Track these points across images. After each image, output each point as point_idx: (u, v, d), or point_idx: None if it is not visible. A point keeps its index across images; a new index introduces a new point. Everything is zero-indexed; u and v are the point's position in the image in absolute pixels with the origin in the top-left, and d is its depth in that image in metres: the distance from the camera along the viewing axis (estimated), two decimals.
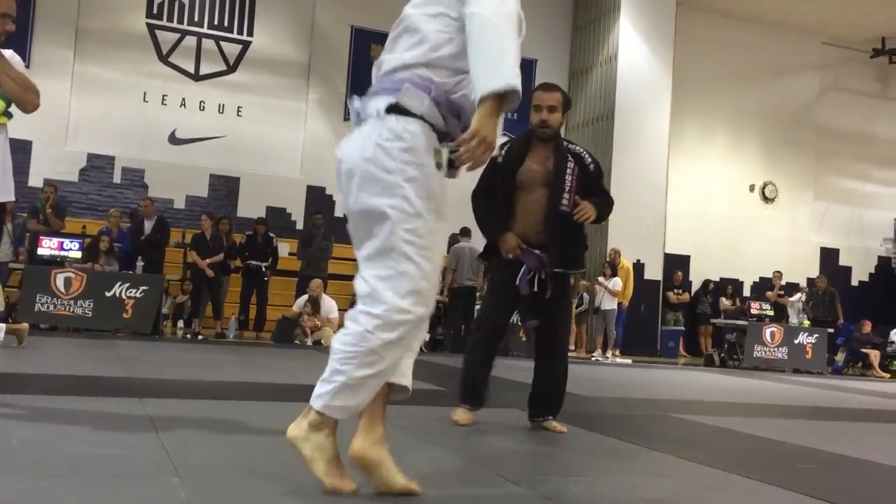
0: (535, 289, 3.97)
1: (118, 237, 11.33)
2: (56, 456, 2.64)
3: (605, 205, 4.12)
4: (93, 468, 2.52)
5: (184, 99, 13.72)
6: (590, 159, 4.14)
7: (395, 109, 2.28)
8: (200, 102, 13.81)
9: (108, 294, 9.85)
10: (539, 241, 3.99)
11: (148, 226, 11.18)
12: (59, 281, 9.62)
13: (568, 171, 4.01)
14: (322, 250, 11.82)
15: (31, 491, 2.20)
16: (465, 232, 11.43)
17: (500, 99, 2.17)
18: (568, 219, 3.98)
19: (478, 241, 12.07)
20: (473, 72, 2.21)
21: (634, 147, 14.55)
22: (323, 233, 11.97)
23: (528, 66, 15.66)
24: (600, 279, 12.78)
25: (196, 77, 13.83)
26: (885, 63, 17.90)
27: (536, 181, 4.02)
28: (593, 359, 12.28)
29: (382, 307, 2.25)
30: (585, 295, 13.16)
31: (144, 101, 13.46)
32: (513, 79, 2.16)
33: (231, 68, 14.02)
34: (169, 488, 2.32)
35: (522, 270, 3.97)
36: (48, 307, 9.57)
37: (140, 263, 10.71)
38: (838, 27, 16.99)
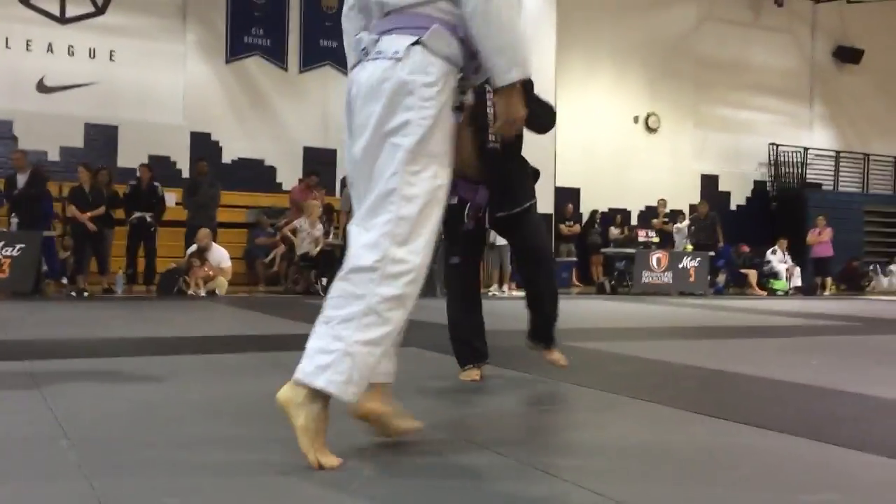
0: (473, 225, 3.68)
1: None
2: None
3: (538, 114, 3.51)
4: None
5: (50, 44, 12.91)
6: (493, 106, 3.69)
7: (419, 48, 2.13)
8: (69, 47, 13.02)
9: None
10: (478, 177, 3.52)
11: (21, 179, 10.56)
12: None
13: (489, 103, 3.59)
14: (210, 198, 11.49)
15: None
16: None
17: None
18: (502, 155, 3.64)
19: None
20: (488, 60, 2.17)
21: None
22: (209, 180, 11.62)
23: None
24: None
25: (62, 20, 13.01)
26: None
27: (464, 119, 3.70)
28: (490, 293, 12.50)
29: (376, 256, 2.06)
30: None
31: (7, 47, 12.61)
32: (527, 67, 2.22)
33: (100, 9, 13.24)
34: (58, 451, 2.25)
35: (469, 206, 3.63)
36: None
37: (14, 220, 10.15)
38: None
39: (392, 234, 2.07)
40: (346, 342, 2.06)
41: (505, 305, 10.00)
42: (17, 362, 3.96)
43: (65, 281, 10.70)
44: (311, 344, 2.14)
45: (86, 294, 10.17)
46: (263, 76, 14.38)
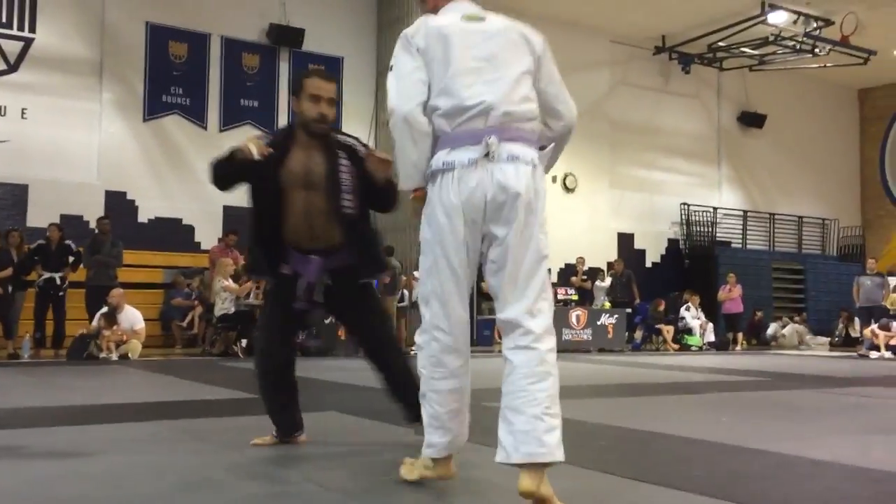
0: (314, 300, 3.48)
1: None
2: None
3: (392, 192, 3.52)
4: None
5: None
6: (364, 151, 3.55)
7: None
8: None
9: None
10: (314, 248, 3.46)
11: None
12: None
13: (342, 168, 3.46)
14: (114, 257, 11.17)
15: None
16: None
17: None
18: (356, 221, 3.49)
19: None
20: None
21: None
22: (112, 239, 11.30)
23: (334, 64, 15.62)
24: (416, 274, 13.00)
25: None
26: (666, 59, 19.40)
27: (298, 183, 3.44)
28: (412, 352, 12.46)
29: (553, 340, 2.53)
30: (405, 290, 13.35)
31: None
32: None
33: (12, 67, 12.96)
34: None
35: (299, 283, 3.46)
36: None
37: None
38: (624, 27, 18.21)
39: (550, 316, 2.57)
40: (559, 416, 2.44)
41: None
42: None
43: None
44: (530, 425, 2.41)
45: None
46: (182, 135, 14.24)
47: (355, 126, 15.95)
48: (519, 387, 2.45)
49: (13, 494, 2.63)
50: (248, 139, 3.39)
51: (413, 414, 3.44)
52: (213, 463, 3.21)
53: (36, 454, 3.41)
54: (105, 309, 10.26)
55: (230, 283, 11.19)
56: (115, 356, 10.03)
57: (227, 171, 3.51)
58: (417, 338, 2.72)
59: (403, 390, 3.52)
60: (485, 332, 15.31)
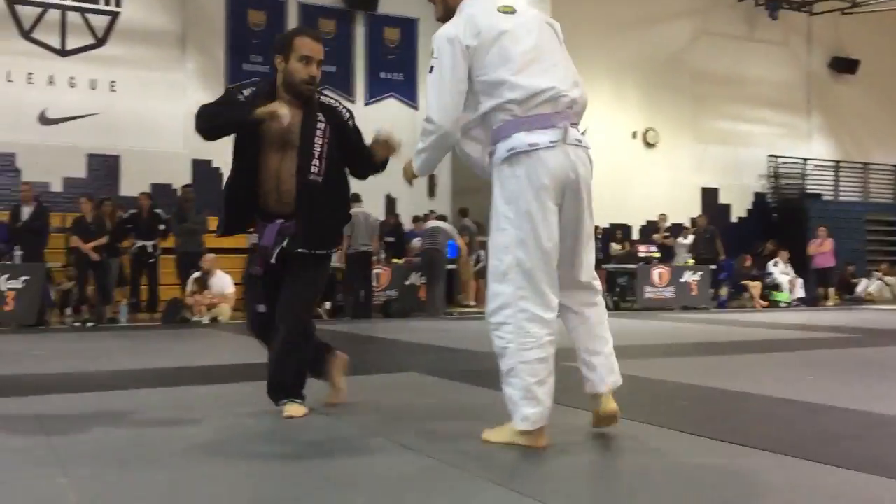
0: (273, 263, 3.42)
1: None
2: None
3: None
4: None
5: (52, 76, 13.06)
6: (347, 114, 3.54)
7: None
8: (70, 79, 13.18)
9: None
10: (281, 212, 3.41)
11: (26, 211, 10.66)
12: None
13: (318, 132, 3.40)
14: (199, 224, 11.50)
15: None
16: (357, 198, 11.44)
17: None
18: (319, 189, 3.39)
19: (369, 206, 12.13)
20: None
21: None
22: (196, 206, 11.62)
23: (410, 25, 15.62)
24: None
25: (63, 52, 13.17)
26: (751, 6, 18.65)
27: (276, 143, 3.38)
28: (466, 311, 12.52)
29: None
30: (482, 252, 13.38)
31: (9, 80, 12.76)
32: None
33: (100, 41, 13.40)
34: (58, 490, 2.29)
35: (260, 247, 3.45)
36: None
37: (18, 252, 10.23)
38: None
39: None
40: None
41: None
42: (21, 398, 4.01)
43: (69, 312, 10.75)
44: (608, 360, 3.04)
45: (89, 324, 10.23)
46: None
47: None
48: (596, 333, 3.02)
49: (110, 455, 2.79)
50: (278, 103, 3.27)
51: (273, 392, 3.49)
52: (301, 423, 3.32)
53: (139, 415, 3.59)
54: (197, 274, 10.63)
55: None
56: (205, 319, 10.40)
57: (227, 123, 3.40)
58: (496, 316, 2.77)
59: (275, 365, 3.46)
60: None
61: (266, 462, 2.66)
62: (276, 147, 3.38)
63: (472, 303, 13.28)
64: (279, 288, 3.42)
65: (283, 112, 3.22)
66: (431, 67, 2.85)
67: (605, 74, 17.14)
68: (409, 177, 3.10)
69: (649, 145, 17.84)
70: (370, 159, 3.53)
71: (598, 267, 10.86)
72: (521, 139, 2.75)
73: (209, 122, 3.39)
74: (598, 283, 3.07)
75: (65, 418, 3.45)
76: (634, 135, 17.72)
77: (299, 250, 3.39)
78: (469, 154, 3.09)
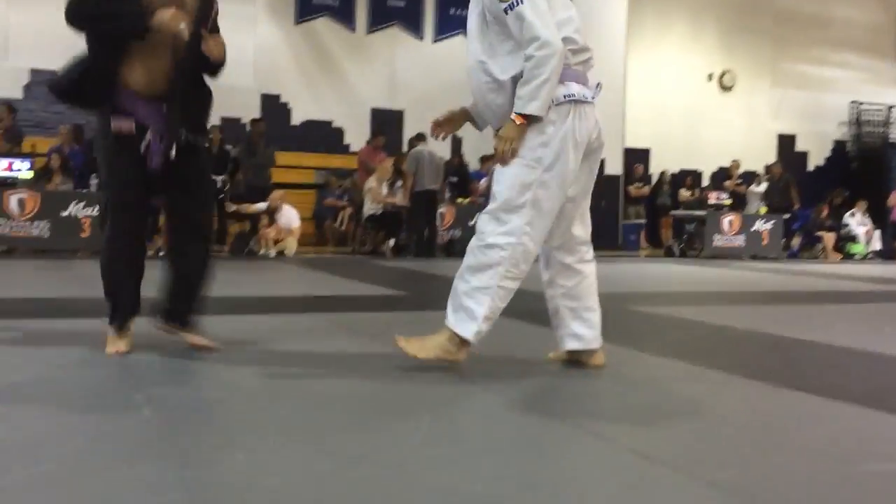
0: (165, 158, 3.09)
1: (70, 154, 11.07)
2: (24, 375, 2.67)
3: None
4: (58, 388, 2.56)
5: None
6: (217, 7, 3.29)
7: None
8: None
9: (63, 214, 9.71)
10: (155, 93, 3.08)
11: None
12: (13, 202, 9.44)
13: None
14: (267, 158, 11.61)
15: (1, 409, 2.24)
16: (422, 137, 11.41)
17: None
18: (194, 73, 3.17)
19: (434, 146, 12.08)
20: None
21: (590, 41, 14.14)
22: (265, 141, 11.71)
23: None
24: None
25: None
26: None
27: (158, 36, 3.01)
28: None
29: None
30: None
31: None
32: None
33: None
34: (133, 405, 2.37)
35: (149, 135, 3.06)
36: (4, 229, 9.43)
37: (94, 181, 10.52)
38: None
39: None
40: None
41: None
42: (94, 320, 4.15)
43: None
44: (598, 316, 3.17)
45: (161, 253, 10.48)
46: (332, 37, 14.47)
47: None
48: (591, 291, 3.13)
49: (182, 374, 2.87)
50: (176, 14, 2.98)
51: (176, 318, 3.26)
52: (366, 354, 3.37)
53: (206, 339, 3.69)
54: (263, 205, 10.80)
55: (376, 185, 11.44)
56: (272, 253, 10.59)
57: (114, 29, 2.98)
58: (494, 237, 2.85)
59: (186, 290, 3.27)
60: (630, 236, 15.06)
61: (328, 387, 2.71)
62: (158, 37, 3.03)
63: None
64: (149, 188, 3.12)
65: (183, 28, 2.99)
66: (515, 1, 2.76)
67: (681, 13, 16.57)
68: (516, 138, 2.84)
69: (725, 88, 17.26)
70: (211, 65, 3.23)
71: (665, 213, 10.69)
72: (574, 89, 2.86)
73: (92, 20, 2.98)
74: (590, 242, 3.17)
75: (137, 339, 3.56)
76: (710, 77, 17.16)
77: (194, 142, 3.10)
78: (491, 94, 2.95)
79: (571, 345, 3.11)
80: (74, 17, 2.96)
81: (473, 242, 2.92)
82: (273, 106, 13.79)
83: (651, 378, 3.07)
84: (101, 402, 2.42)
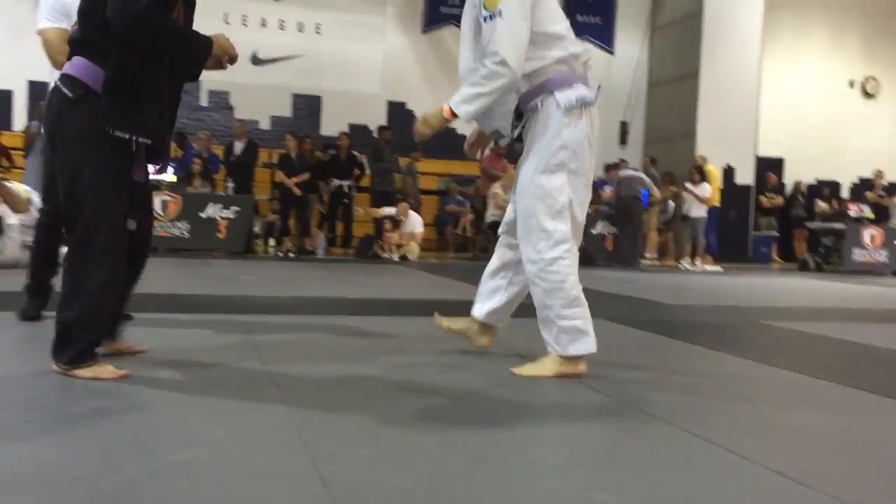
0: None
1: (210, 158, 11.63)
2: (167, 366, 2.81)
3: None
4: (199, 377, 2.69)
5: (264, 19, 13.79)
6: None
7: None
8: (280, 22, 13.86)
9: (202, 215, 10.24)
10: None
11: (238, 147, 11.45)
12: (157, 204, 10.02)
13: None
14: (394, 163, 11.84)
15: (151, 397, 2.37)
16: None
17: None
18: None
19: None
20: None
21: (724, 46, 13.94)
22: (391, 147, 11.93)
23: None
24: (688, 185, 12.48)
25: None
26: None
27: None
28: (681, 267, 12.12)
29: None
30: (671, 202, 12.92)
31: (226, 23, 13.57)
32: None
33: None
34: (268, 398, 2.46)
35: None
36: None
37: (230, 185, 11.02)
38: None
39: None
40: None
41: (697, 280, 9.69)
42: (235, 315, 4.34)
43: (272, 242, 11.50)
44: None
45: (291, 254, 10.89)
46: (457, 45, 14.49)
47: (629, 29, 15.40)
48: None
49: (313, 370, 2.95)
50: (228, 44, 2.91)
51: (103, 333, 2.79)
52: (490, 358, 3.37)
53: (335, 335, 3.79)
54: (389, 210, 11.02)
55: (501, 192, 11.44)
56: (395, 257, 10.78)
57: (182, 56, 2.82)
58: (554, 251, 2.88)
59: (120, 299, 2.88)
60: (761, 248, 14.47)
61: (445, 391, 2.72)
62: None
63: (651, 255, 12.90)
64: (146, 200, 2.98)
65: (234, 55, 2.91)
66: (497, 12, 2.82)
67: (820, 16, 15.81)
68: (434, 126, 2.96)
69: (868, 96, 16.33)
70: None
71: (799, 225, 10.20)
72: (584, 92, 2.91)
73: (166, 43, 2.70)
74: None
75: (271, 335, 3.69)
76: (851, 84, 16.27)
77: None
78: (496, 106, 2.98)
79: (493, 320, 3.29)
80: (142, 25, 2.57)
81: (533, 269, 2.94)
82: (399, 113, 14.06)
83: (789, 396, 2.93)
84: (238, 392, 2.52)
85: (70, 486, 1.64)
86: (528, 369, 3.01)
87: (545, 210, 2.91)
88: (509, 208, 3.17)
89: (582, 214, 3.00)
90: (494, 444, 2.09)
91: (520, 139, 3.01)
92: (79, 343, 2.61)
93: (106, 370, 2.62)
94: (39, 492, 1.60)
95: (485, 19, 2.87)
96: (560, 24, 2.96)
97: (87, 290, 2.60)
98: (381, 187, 11.61)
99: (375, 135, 12.59)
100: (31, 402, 2.35)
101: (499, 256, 3.25)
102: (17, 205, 6.99)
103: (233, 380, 2.74)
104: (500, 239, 3.25)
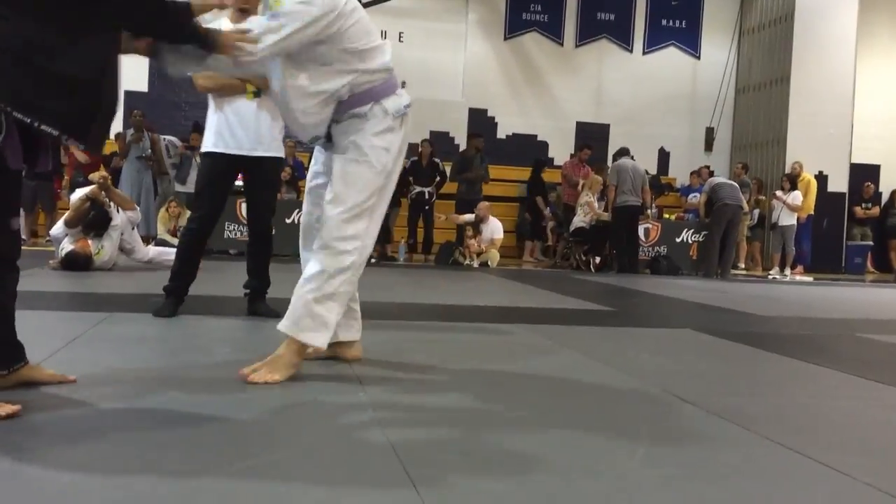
0: None
1: (295, 165, 11.86)
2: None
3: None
4: (286, 383, 2.72)
5: None
6: None
7: None
8: None
9: (287, 221, 10.44)
10: None
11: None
12: (244, 209, 10.26)
13: None
14: (483, 173, 11.84)
15: (239, 399, 2.42)
16: (625, 150, 11.25)
17: None
18: None
19: (641, 160, 11.80)
20: None
21: (817, 50, 13.49)
22: (480, 156, 11.94)
23: None
24: (778, 193, 12.11)
25: (362, 5, 14.05)
26: None
27: None
28: (770, 277, 11.75)
29: None
30: (756, 210, 12.58)
31: None
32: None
33: None
34: (358, 403, 2.48)
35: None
36: (235, 234, 10.30)
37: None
38: None
39: None
40: None
41: (787, 290, 9.37)
42: None
43: None
44: None
45: (372, 260, 10.98)
46: (539, 52, 14.56)
47: (716, 34, 15.05)
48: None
49: (400, 373, 2.96)
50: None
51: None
52: (580, 368, 3.32)
53: (418, 343, 3.80)
54: (470, 217, 11.03)
55: (594, 200, 11.30)
56: (476, 263, 10.78)
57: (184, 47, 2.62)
58: (348, 243, 2.81)
59: (7, 323, 2.39)
60: (855, 259, 13.93)
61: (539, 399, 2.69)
62: None
63: (742, 264, 12.56)
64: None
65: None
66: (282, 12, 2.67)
67: None
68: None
69: None
70: None
71: (893, 235, 9.52)
72: (406, 98, 2.95)
73: (167, 29, 2.49)
74: None
75: (363, 341, 3.72)
76: None
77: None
78: (307, 111, 2.85)
79: (344, 335, 3.08)
80: (154, 26, 2.42)
81: (321, 247, 2.83)
82: (480, 120, 14.08)
83: (889, 409, 2.79)
84: (327, 394, 2.54)
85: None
86: (261, 374, 2.72)
87: (357, 204, 2.83)
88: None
89: (381, 216, 2.94)
90: (587, 457, 2.05)
91: (329, 139, 2.92)
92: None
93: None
94: None
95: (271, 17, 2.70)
96: (374, 35, 2.97)
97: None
98: (470, 196, 11.57)
99: (457, 142, 12.62)
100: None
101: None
102: (124, 203, 7.30)
103: (323, 380, 2.76)
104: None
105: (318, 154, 3.09)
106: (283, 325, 2.83)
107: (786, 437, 2.30)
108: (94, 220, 6.88)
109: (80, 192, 7.11)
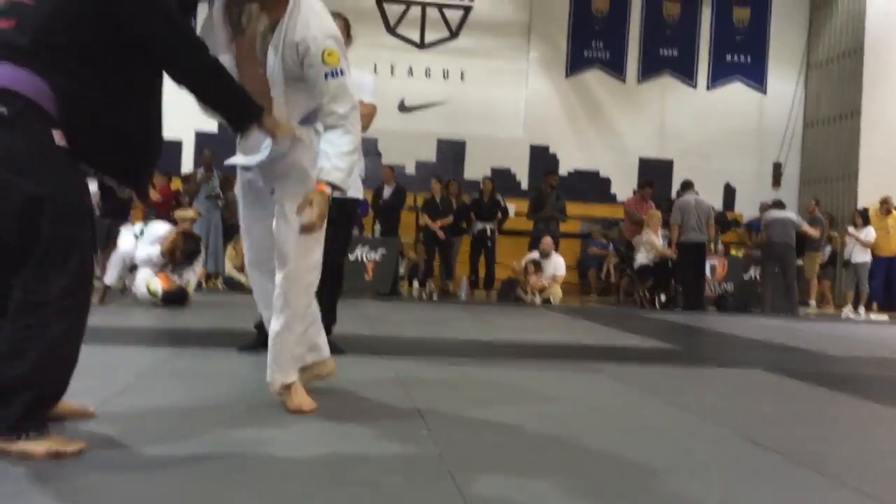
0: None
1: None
2: (320, 403, 2.88)
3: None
4: (352, 418, 2.73)
5: (411, 67, 14.23)
6: None
7: None
8: (426, 70, 14.26)
9: (350, 257, 10.53)
10: None
11: (387, 191, 11.76)
12: None
13: None
14: (559, 211, 11.77)
15: (299, 429, 2.44)
16: (689, 185, 11.09)
17: None
18: None
19: (706, 194, 11.62)
20: None
21: (888, 83, 13.16)
22: (556, 193, 11.88)
23: (762, 4, 14.69)
24: (851, 229, 11.77)
25: (421, 45, 14.27)
26: None
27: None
28: (843, 316, 11.38)
29: None
30: (829, 247, 12.23)
31: (375, 72, 14.10)
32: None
33: (454, 34, 14.31)
34: (421, 440, 2.47)
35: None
36: None
37: (378, 227, 11.32)
38: None
39: None
40: None
41: (862, 330, 9.05)
42: (383, 358, 4.41)
43: (416, 284, 11.69)
44: None
45: (434, 296, 11.02)
46: (601, 88, 14.54)
47: (782, 68, 14.83)
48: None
49: (461, 411, 2.94)
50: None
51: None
52: (647, 408, 3.26)
53: (477, 382, 3.78)
54: (535, 255, 10.98)
55: (656, 238, 11.14)
56: (538, 300, 10.70)
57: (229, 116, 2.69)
58: (313, 275, 2.88)
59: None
60: None
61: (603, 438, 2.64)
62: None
63: (812, 302, 12.19)
64: None
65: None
66: (341, 70, 2.75)
67: None
68: (325, 212, 2.71)
69: None
70: None
71: None
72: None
73: (217, 97, 2.59)
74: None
75: (419, 377, 3.72)
76: None
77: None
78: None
79: (310, 357, 3.03)
80: (204, 91, 2.54)
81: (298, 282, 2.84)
82: (541, 156, 14.09)
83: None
84: (389, 431, 2.55)
85: None
86: (296, 400, 2.83)
87: (312, 237, 2.78)
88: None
89: None
90: (646, 491, 2.00)
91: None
92: (26, 405, 2.06)
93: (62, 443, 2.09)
94: None
95: (327, 76, 2.75)
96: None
97: (46, 339, 2.07)
98: (546, 234, 11.38)
99: (519, 178, 12.60)
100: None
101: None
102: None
103: (387, 419, 2.77)
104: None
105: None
106: (274, 378, 2.84)
107: (868, 485, 2.21)
108: (189, 252, 7.18)
109: (166, 226, 7.30)
